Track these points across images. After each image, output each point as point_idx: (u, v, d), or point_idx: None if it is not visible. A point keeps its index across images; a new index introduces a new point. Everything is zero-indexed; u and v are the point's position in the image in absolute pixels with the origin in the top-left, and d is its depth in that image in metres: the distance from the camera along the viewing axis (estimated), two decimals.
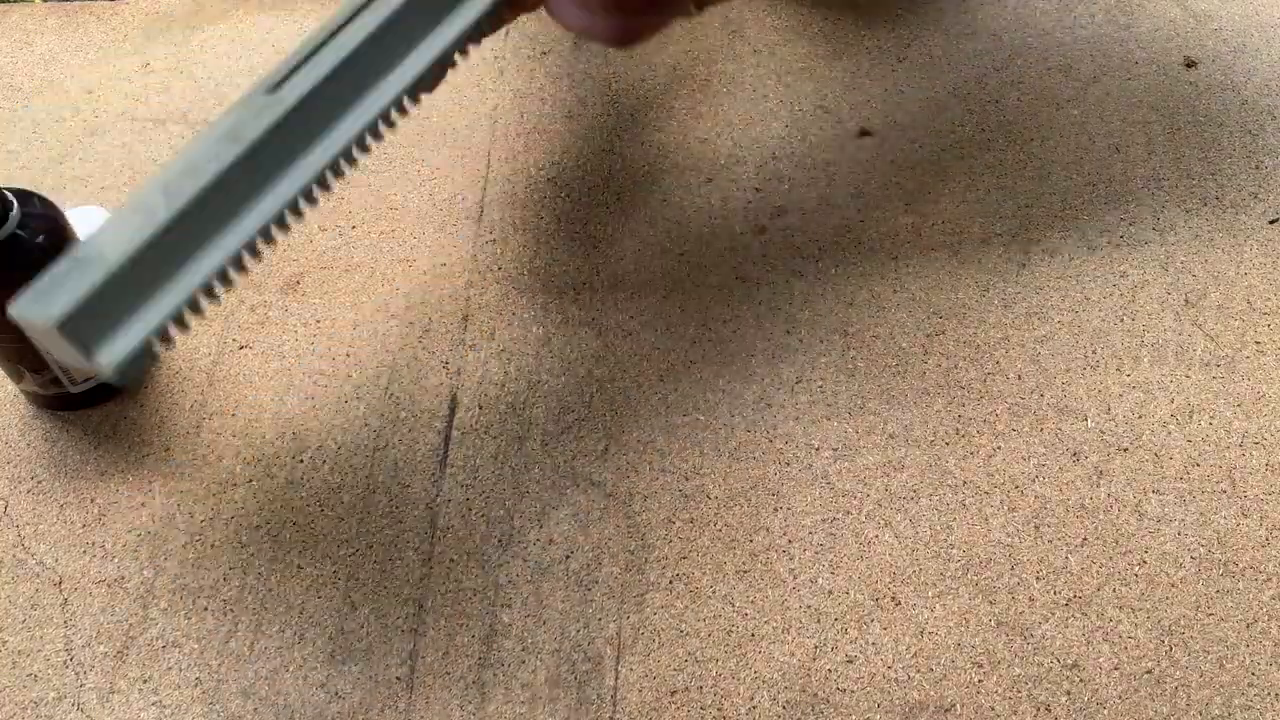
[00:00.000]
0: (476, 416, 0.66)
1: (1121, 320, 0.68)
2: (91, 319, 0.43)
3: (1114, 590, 0.58)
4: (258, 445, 0.65)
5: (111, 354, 0.44)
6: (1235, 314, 0.68)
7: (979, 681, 0.55)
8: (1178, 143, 0.77)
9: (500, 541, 0.61)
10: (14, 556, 0.62)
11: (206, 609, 0.59)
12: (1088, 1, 0.87)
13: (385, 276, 0.73)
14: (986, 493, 0.61)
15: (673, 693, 0.56)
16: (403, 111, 0.52)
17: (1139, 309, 0.68)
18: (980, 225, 0.73)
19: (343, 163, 0.50)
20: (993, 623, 0.57)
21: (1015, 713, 0.54)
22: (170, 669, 0.57)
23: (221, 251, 0.46)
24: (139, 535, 0.62)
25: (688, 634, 0.57)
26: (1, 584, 0.61)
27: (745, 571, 0.59)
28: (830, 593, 0.58)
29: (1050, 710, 0.54)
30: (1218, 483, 0.61)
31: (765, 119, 0.80)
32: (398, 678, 0.57)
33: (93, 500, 0.64)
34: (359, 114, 0.50)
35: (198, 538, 0.62)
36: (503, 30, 0.88)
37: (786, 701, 0.55)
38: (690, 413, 0.65)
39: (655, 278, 0.72)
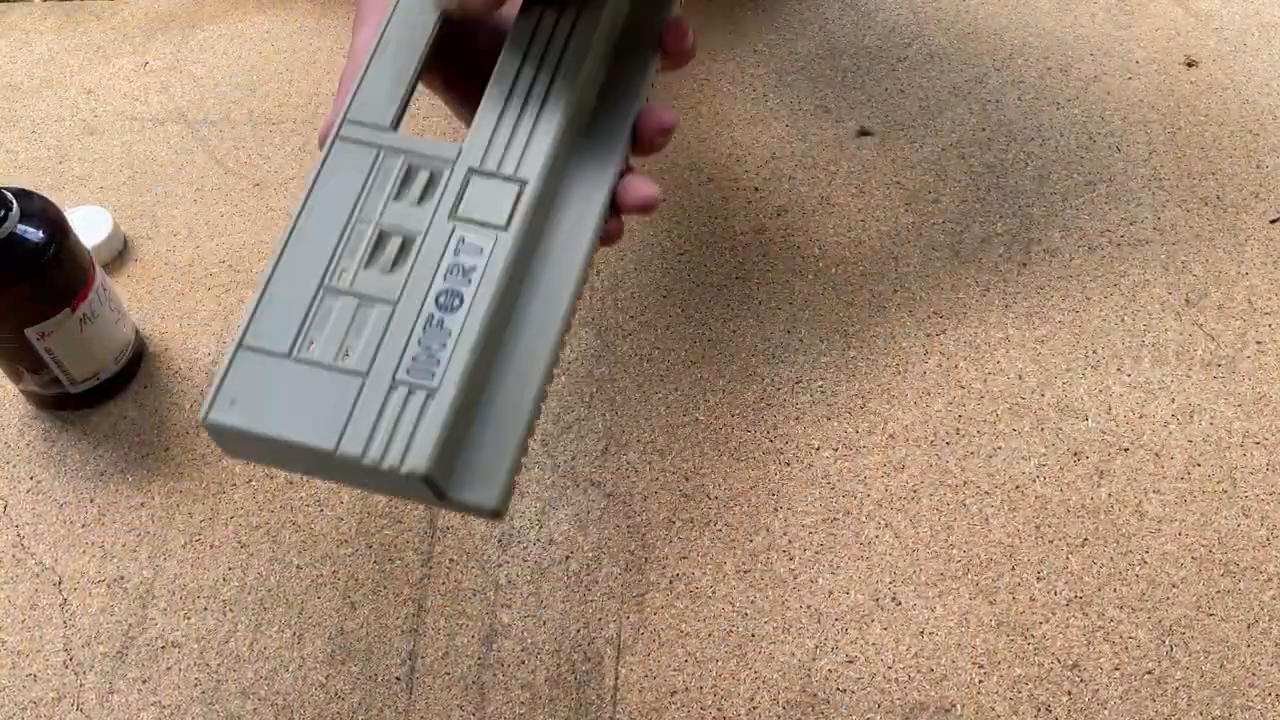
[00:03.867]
0: None
1: (1122, 320, 0.68)
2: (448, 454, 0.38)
3: (1115, 590, 0.57)
4: None
5: (489, 491, 0.38)
6: (1236, 314, 0.68)
7: (979, 682, 0.55)
8: (1178, 142, 0.77)
9: (500, 542, 0.61)
10: (13, 556, 0.62)
11: (206, 609, 0.59)
12: (1088, 1, 0.87)
13: None
14: (987, 493, 0.61)
15: (673, 693, 0.55)
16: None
17: (1140, 309, 0.68)
18: (980, 225, 0.73)
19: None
20: (993, 623, 0.57)
21: (1016, 713, 0.54)
22: (169, 669, 0.57)
23: (540, 346, 0.41)
24: (138, 535, 0.62)
25: (688, 634, 0.57)
26: (1, 584, 0.61)
27: (745, 572, 0.59)
28: (830, 593, 0.58)
29: (1051, 710, 0.54)
30: (1219, 483, 0.61)
31: (765, 119, 0.80)
32: (397, 678, 0.57)
33: (92, 500, 0.64)
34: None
35: (197, 538, 0.62)
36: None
37: (787, 702, 0.55)
38: (690, 413, 0.65)
39: (655, 278, 0.72)
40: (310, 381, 0.39)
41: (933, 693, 0.55)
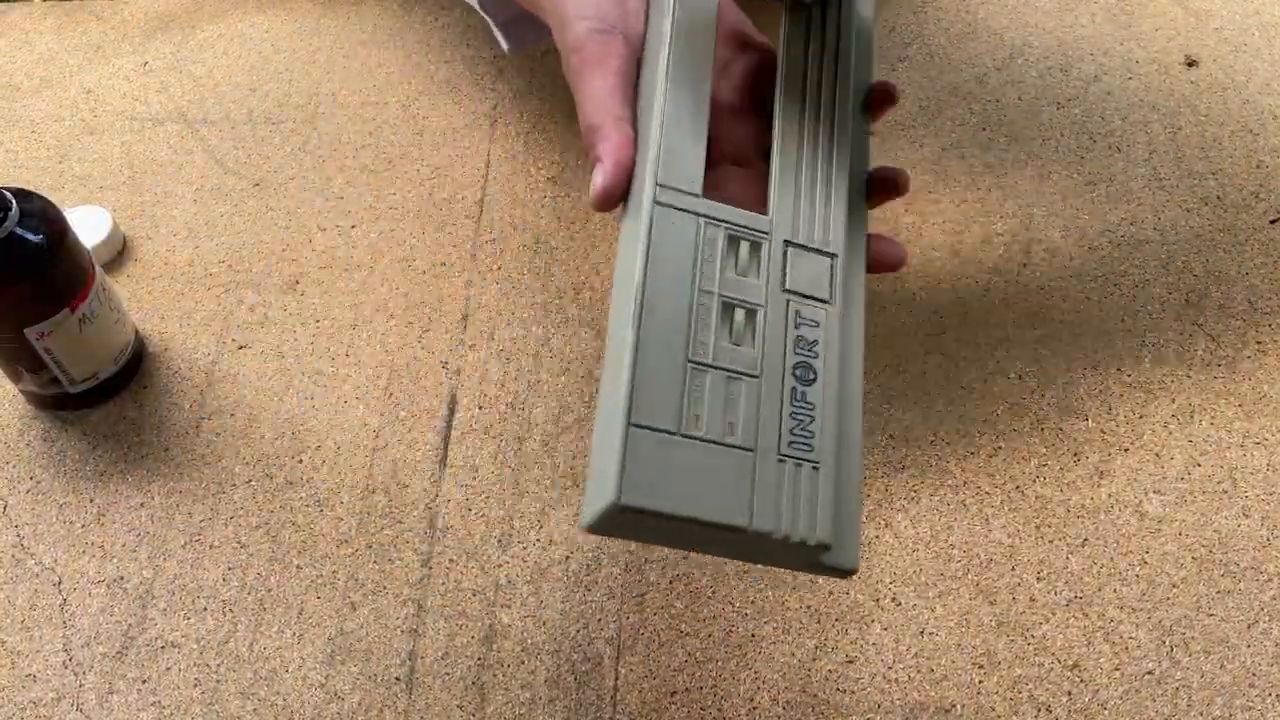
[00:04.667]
0: (476, 416, 0.66)
1: (1122, 320, 0.68)
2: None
3: (1115, 590, 0.57)
4: (256, 445, 0.65)
5: (851, 553, 0.41)
6: (1236, 314, 0.68)
7: (979, 682, 0.55)
8: (1178, 142, 0.77)
9: (500, 541, 0.61)
10: (13, 557, 0.62)
11: (205, 609, 0.59)
12: (1088, 1, 0.87)
13: (385, 276, 0.73)
14: (987, 493, 0.61)
15: (672, 693, 0.55)
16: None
17: (1140, 309, 0.68)
18: (980, 225, 0.73)
19: None
20: (993, 623, 0.57)
21: (1016, 713, 0.54)
22: (169, 669, 0.57)
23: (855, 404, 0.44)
24: (138, 535, 0.62)
25: (687, 634, 0.57)
26: (0, 584, 0.61)
27: (745, 572, 0.59)
28: (830, 593, 0.58)
29: (1051, 711, 0.54)
30: (1219, 483, 0.61)
31: None
32: (397, 678, 0.57)
33: (92, 500, 0.64)
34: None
35: (197, 538, 0.62)
36: None
37: (786, 702, 0.55)
38: None
39: None
40: (707, 459, 0.39)
41: (932, 693, 0.55)
